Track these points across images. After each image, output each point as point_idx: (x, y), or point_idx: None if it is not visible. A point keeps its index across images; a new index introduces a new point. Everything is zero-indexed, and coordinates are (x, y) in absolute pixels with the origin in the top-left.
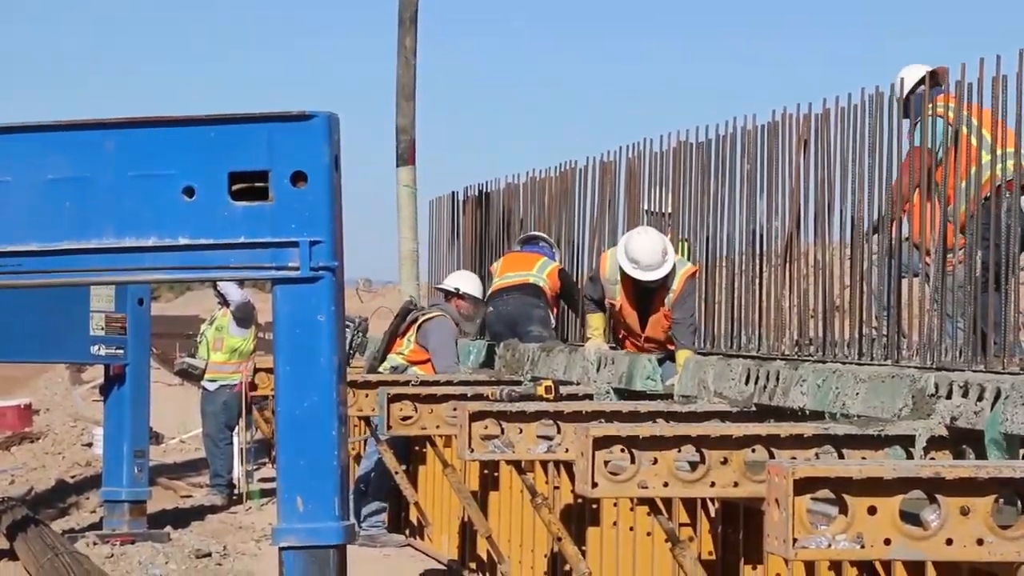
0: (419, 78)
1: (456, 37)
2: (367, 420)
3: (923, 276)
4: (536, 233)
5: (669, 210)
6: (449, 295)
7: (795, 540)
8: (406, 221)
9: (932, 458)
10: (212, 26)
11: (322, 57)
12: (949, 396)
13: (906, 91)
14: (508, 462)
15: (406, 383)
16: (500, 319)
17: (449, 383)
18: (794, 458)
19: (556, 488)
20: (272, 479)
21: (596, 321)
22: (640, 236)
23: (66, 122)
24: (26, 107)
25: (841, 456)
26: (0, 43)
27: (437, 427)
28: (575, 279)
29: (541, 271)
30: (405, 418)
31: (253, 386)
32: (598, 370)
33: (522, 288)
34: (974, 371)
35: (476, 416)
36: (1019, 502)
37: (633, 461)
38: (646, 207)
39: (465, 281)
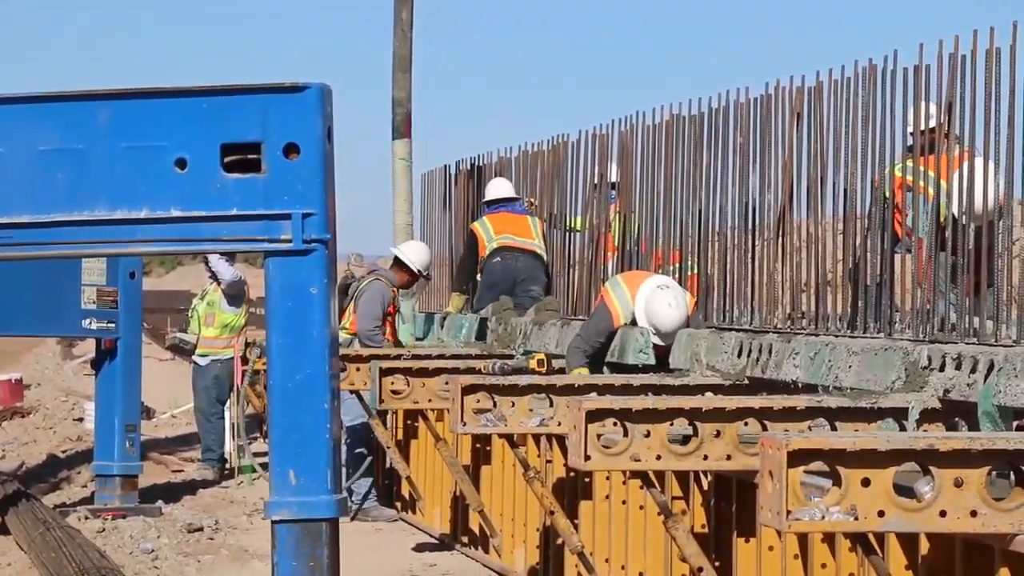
0: (415, 50)
1: (452, 9)
2: (357, 394)
3: (914, 252)
4: (512, 195)
5: (615, 179)
6: (397, 263)
7: (789, 512)
8: (401, 194)
9: (925, 430)
10: None
11: (317, 29)
12: (942, 368)
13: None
14: (500, 436)
15: (398, 356)
16: (506, 272)
17: (441, 356)
18: (787, 431)
19: (548, 462)
20: (264, 454)
21: (583, 371)
22: (671, 310)
23: (58, 93)
24: (17, 80)
25: (834, 429)
26: None
27: (429, 401)
28: (567, 252)
29: (540, 239)
30: (397, 392)
31: (244, 360)
32: None
33: (533, 255)
34: (967, 343)
35: (468, 389)
36: (1012, 474)
37: (626, 434)
38: (596, 181)
39: (410, 252)
